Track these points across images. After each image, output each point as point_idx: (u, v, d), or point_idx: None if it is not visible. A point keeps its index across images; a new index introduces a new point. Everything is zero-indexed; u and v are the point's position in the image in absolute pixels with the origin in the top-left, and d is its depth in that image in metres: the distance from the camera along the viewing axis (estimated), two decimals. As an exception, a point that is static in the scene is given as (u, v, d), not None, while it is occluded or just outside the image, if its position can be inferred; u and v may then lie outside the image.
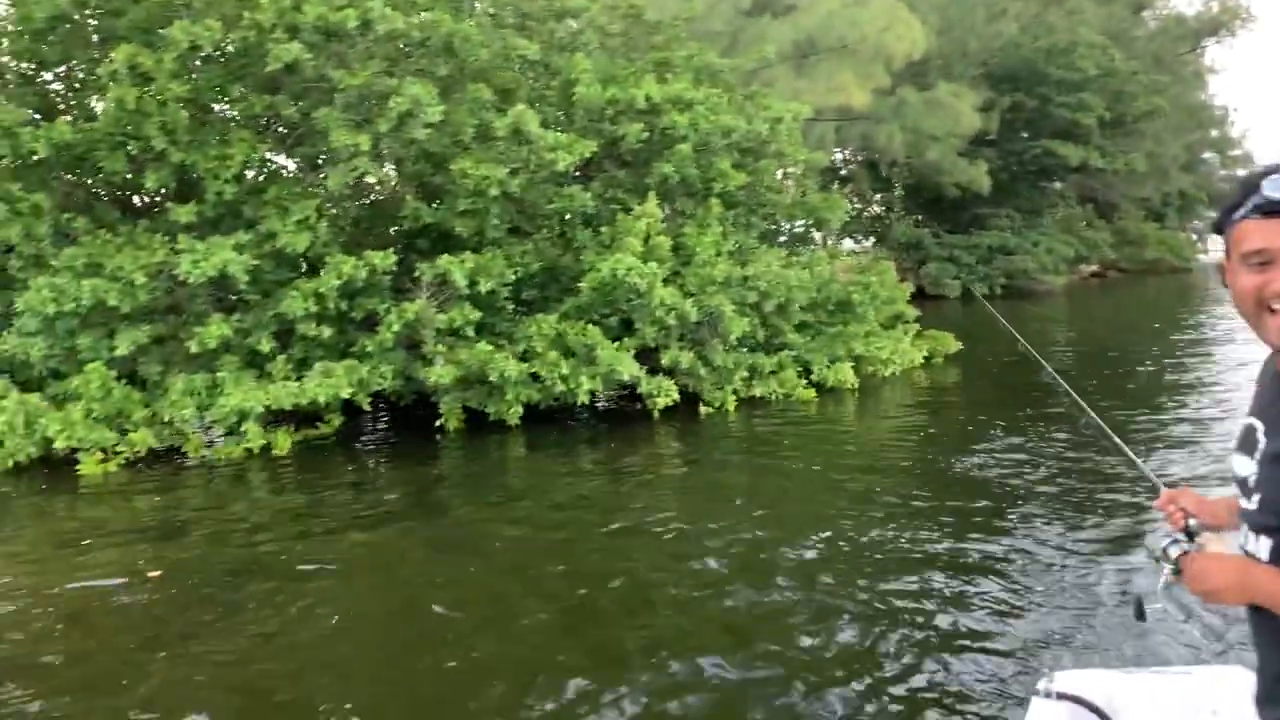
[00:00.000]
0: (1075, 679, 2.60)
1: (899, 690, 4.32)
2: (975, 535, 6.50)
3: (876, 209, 40.12)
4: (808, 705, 4.17)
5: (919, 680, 4.40)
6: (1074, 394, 2.80)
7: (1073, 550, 6.13)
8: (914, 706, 4.16)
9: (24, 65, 10.92)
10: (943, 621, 5.05)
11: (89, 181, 10.68)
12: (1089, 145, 36.36)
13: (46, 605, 5.74)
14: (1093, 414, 2.71)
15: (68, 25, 10.14)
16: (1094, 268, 43.52)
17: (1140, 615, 2.29)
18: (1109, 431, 2.65)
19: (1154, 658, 4.44)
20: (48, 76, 11.28)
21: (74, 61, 10.84)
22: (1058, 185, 41.12)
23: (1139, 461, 2.55)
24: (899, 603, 5.30)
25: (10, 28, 10.26)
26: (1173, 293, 36.00)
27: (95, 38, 10.67)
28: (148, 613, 5.61)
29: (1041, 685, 2.58)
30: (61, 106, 11.13)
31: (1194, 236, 58.60)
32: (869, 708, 4.16)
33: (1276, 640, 1.64)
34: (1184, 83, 52.71)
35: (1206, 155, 62.49)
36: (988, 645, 4.74)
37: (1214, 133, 61.58)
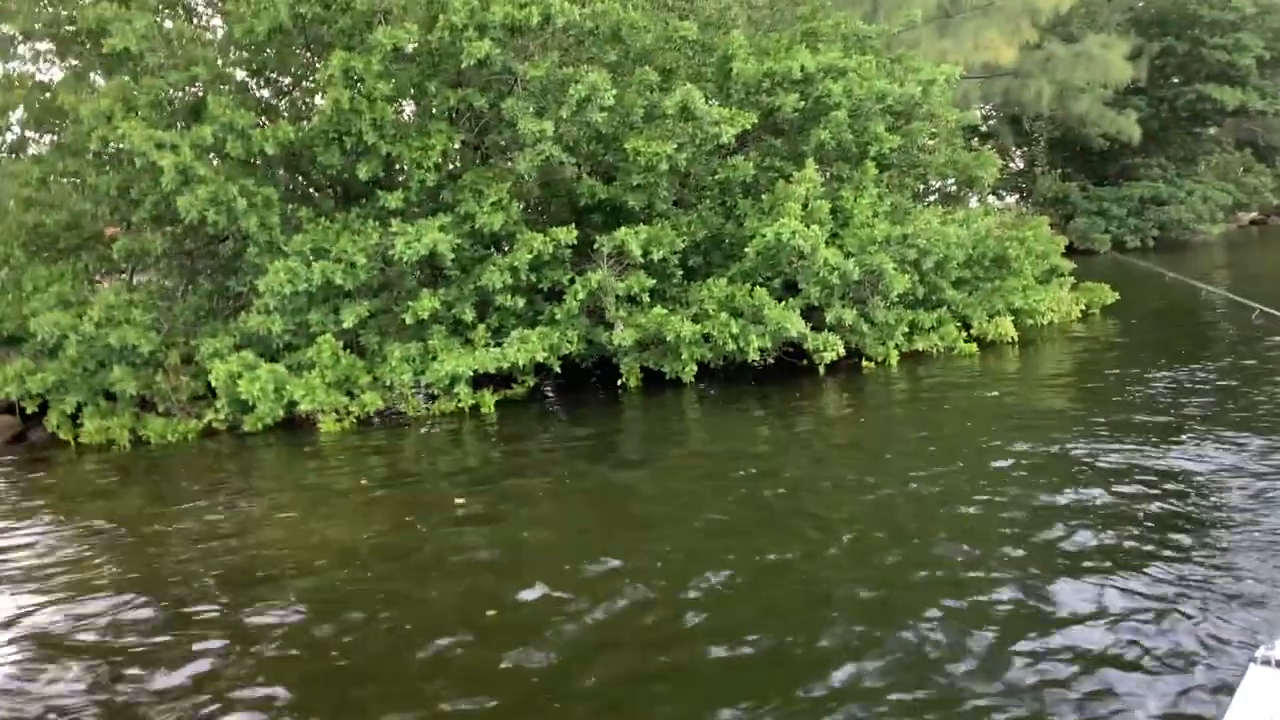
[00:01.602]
0: None
1: (1104, 648, 4.33)
2: (1168, 485, 6.81)
3: (1019, 164, 39.39)
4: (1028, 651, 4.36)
5: (1126, 636, 4.42)
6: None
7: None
8: (1124, 667, 4.17)
9: (245, 73, 12.28)
10: (1144, 580, 4.98)
11: (309, 173, 11.94)
12: (1246, 86, 34.81)
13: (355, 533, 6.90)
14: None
15: (282, 35, 11.33)
16: (1254, 215, 41.70)
17: None
18: None
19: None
20: (261, 81, 12.64)
21: (291, 66, 12.10)
22: (1213, 130, 39.44)
23: None
24: (1091, 561, 5.31)
25: (236, 38, 11.52)
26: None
27: (304, 45, 11.90)
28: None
29: (1260, 652, 2.57)
30: (277, 107, 12.46)
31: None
32: (1073, 665, 4.21)
33: None
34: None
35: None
36: (1202, 605, 4.67)
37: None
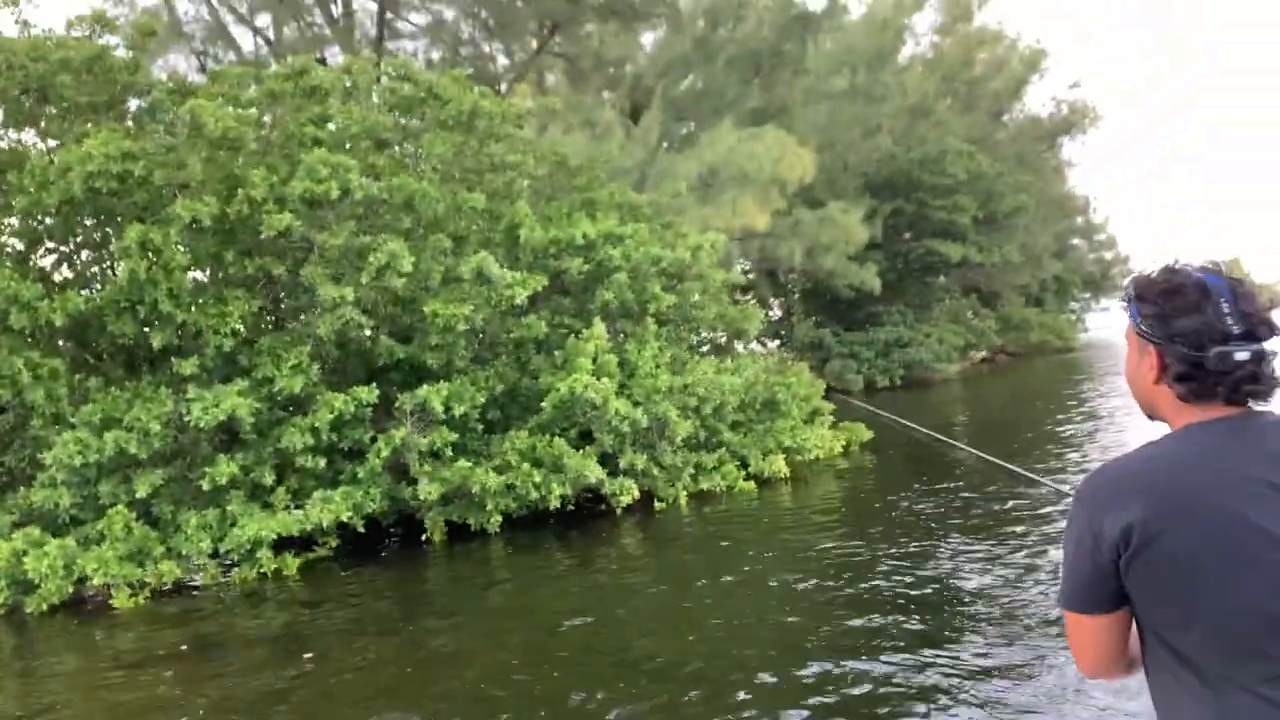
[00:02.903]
0: None
1: None
2: (926, 588, 7.98)
3: (777, 312, 42.60)
4: None
5: None
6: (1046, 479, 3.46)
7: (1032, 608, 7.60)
8: None
9: (22, 243, 12.10)
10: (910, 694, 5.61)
11: (96, 342, 11.78)
12: (966, 242, 39.62)
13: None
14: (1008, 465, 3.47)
15: (70, 206, 11.33)
16: (984, 354, 46.51)
17: None
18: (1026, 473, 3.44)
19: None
20: (41, 251, 12.47)
21: (76, 235, 12.05)
22: (942, 280, 44.28)
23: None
24: (854, 684, 6.39)
25: (19, 208, 11.41)
26: (1058, 370, 38.90)
27: (91, 215, 11.92)
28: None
29: None
30: (59, 276, 12.29)
31: (1074, 318, 62.53)
32: None
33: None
34: (1046, 178, 57.42)
35: (1075, 241, 67.54)
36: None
37: (1079, 220, 66.75)
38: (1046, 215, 52.07)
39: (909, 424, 3.99)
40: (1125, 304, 1.79)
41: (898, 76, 40.32)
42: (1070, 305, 62.10)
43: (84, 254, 12.55)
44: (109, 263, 12.26)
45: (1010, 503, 11.01)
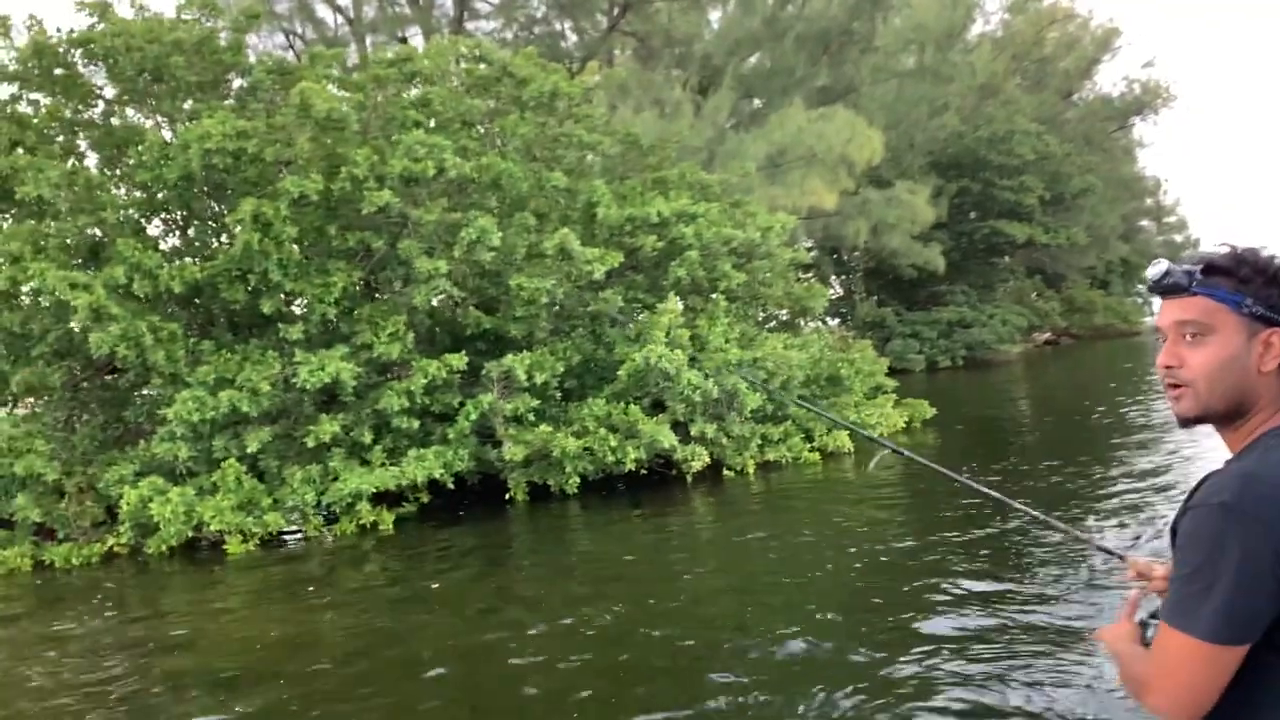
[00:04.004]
0: None
1: None
2: (981, 551, 8.51)
3: (839, 291, 42.87)
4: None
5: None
6: (1020, 505, 2.89)
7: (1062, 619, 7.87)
8: None
9: (139, 214, 13.03)
10: (931, 689, 5.39)
11: (209, 308, 12.69)
12: (1032, 222, 39.53)
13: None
14: (1036, 512, 2.75)
15: (186, 181, 12.20)
16: (1047, 335, 46.37)
17: None
18: (1057, 523, 2.78)
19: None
20: (158, 223, 13.41)
21: (190, 210, 12.96)
22: (1007, 260, 44.20)
23: (1091, 538, 2.64)
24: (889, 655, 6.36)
25: (139, 182, 12.32)
26: (1122, 354, 38.73)
27: (205, 189, 12.80)
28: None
29: None
30: (165, 246, 13.23)
31: (1139, 300, 61.86)
32: None
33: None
34: (1115, 159, 56.74)
35: (1143, 223, 66.59)
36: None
37: (1148, 202, 65.75)
38: (1115, 196, 51.46)
39: (944, 470, 3.98)
40: (1210, 287, 1.59)
41: (966, 55, 40.10)
42: (1136, 288, 61.34)
43: (194, 226, 13.43)
44: (220, 234, 13.13)
45: (1076, 482, 11.48)
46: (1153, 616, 1.75)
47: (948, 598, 7.07)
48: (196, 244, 13.33)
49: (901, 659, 5.88)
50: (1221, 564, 1.47)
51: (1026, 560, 7.94)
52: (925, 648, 6.04)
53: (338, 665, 6.83)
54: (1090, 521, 9.15)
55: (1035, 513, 2.70)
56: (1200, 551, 1.50)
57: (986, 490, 2.90)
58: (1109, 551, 2.32)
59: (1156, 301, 1.69)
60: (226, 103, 13.57)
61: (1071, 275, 50.16)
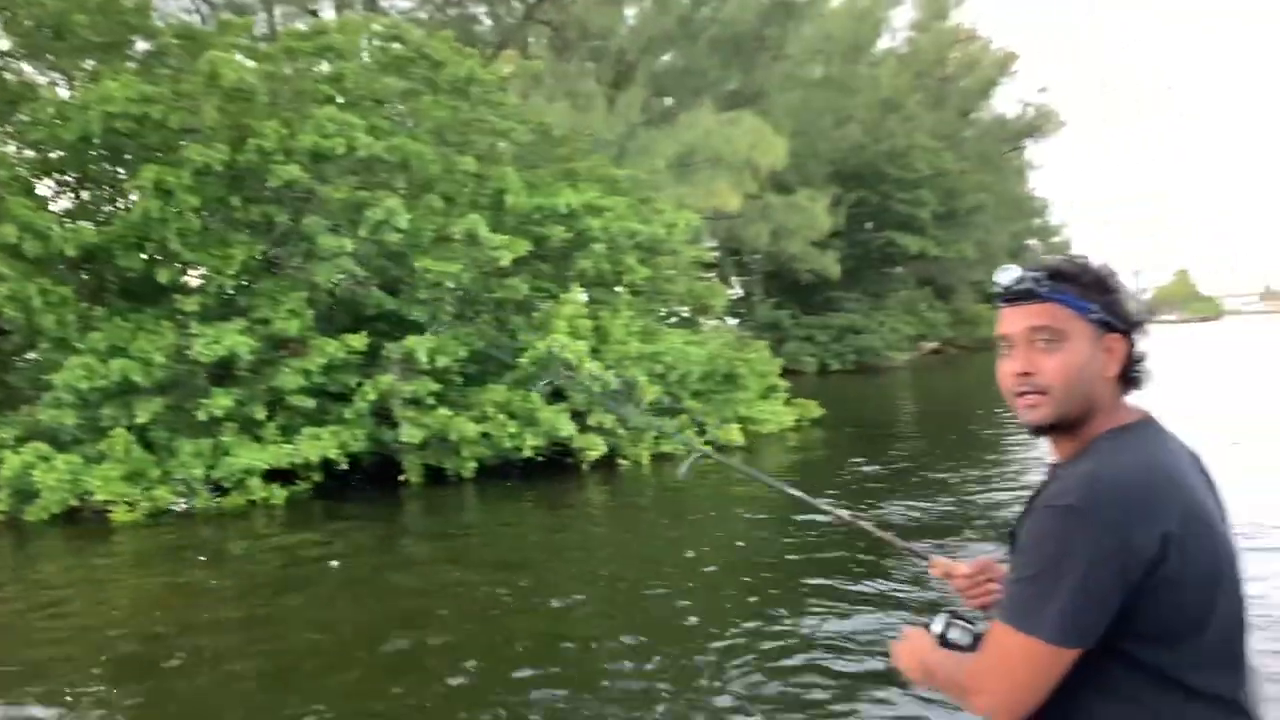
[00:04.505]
0: None
1: None
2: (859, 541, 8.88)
3: (738, 291, 43.62)
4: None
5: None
6: (829, 508, 2.75)
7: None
8: None
9: (30, 173, 12.62)
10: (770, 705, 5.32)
11: (101, 274, 12.38)
12: (925, 235, 40.88)
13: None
14: (847, 515, 2.67)
15: (84, 143, 11.87)
16: (934, 345, 47.92)
17: None
18: (871, 528, 2.61)
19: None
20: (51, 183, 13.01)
21: (86, 173, 12.61)
22: (899, 270, 45.57)
23: (895, 541, 2.49)
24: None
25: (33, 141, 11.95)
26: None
27: (102, 153, 12.47)
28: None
29: None
30: (56, 208, 12.84)
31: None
32: None
33: None
34: (1007, 178, 58.88)
35: (1030, 242, 69.28)
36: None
37: (1036, 221, 68.37)
38: (1005, 214, 53.45)
39: (755, 473, 4.10)
40: (1061, 293, 1.59)
41: (872, 69, 41.26)
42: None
43: (88, 189, 13.07)
44: (116, 199, 12.82)
45: (945, 475, 12.07)
46: (956, 619, 1.75)
47: (797, 594, 7.46)
48: (91, 207, 12.97)
49: (737, 636, 6.22)
50: (1066, 566, 1.46)
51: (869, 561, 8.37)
52: (749, 636, 6.39)
53: (220, 630, 6.85)
54: (937, 523, 9.68)
55: (841, 513, 2.64)
56: (1045, 553, 1.49)
57: (795, 493, 2.85)
58: (913, 552, 2.31)
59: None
60: (130, 65, 13.25)
61: (960, 288, 51.87)
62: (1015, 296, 1.62)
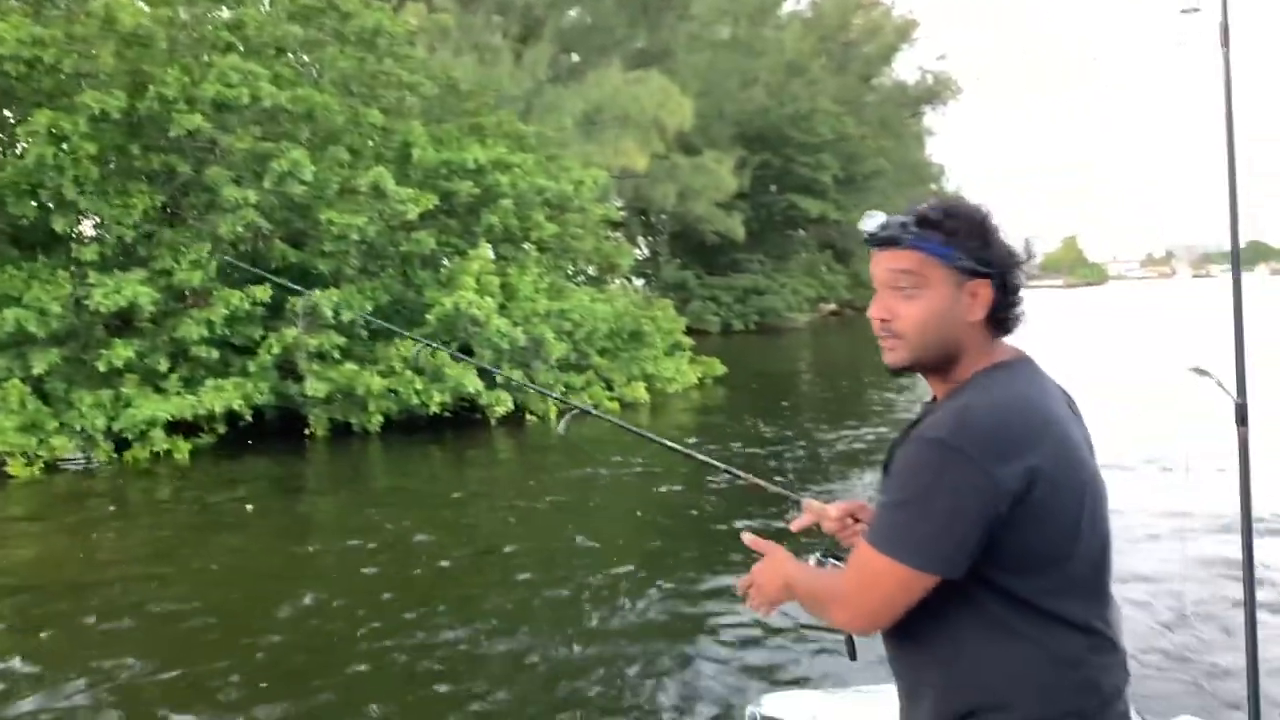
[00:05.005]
0: (782, 701, 2.79)
1: (616, 714, 4.69)
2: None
3: (645, 252, 43.95)
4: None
5: (643, 699, 4.84)
6: (712, 460, 2.73)
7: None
8: None
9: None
10: (669, 639, 5.54)
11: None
12: (826, 199, 41.76)
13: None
14: (719, 464, 2.67)
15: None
16: (833, 307, 49.09)
17: (852, 654, 2.04)
18: (749, 477, 2.52)
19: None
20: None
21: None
22: (801, 234, 46.48)
23: (768, 486, 2.49)
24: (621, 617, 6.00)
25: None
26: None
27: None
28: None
29: (750, 710, 2.74)
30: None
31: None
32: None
33: (897, 655, 1.70)
34: (906, 144, 60.18)
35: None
36: (707, 667, 5.17)
37: (932, 186, 70.06)
38: (903, 180, 54.66)
39: (634, 429, 4.07)
40: (923, 240, 1.60)
41: (777, 32, 41.72)
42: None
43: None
44: (6, 146, 12.40)
45: (836, 426, 12.64)
46: (828, 556, 1.83)
47: (688, 537, 7.85)
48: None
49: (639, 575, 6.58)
50: (933, 496, 1.50)
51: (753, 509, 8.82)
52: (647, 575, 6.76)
53: (122, 582, 6.90)
54: (828, 469, 10.21)
55: (720, 464, 2.65)
56: (913, 482, 1.54)
57: (671, 444, 2.85)
58: (787, 495, 2.34)
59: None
60: (17, 4, 12.75)
61: (859, 251, 53.06)
62: (880, 243, 1.65)
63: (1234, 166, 2.61)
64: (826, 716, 2.70)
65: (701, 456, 2.75)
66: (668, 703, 4.75)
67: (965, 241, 1.59)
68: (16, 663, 5.37)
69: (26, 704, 4.83)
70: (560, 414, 14.16)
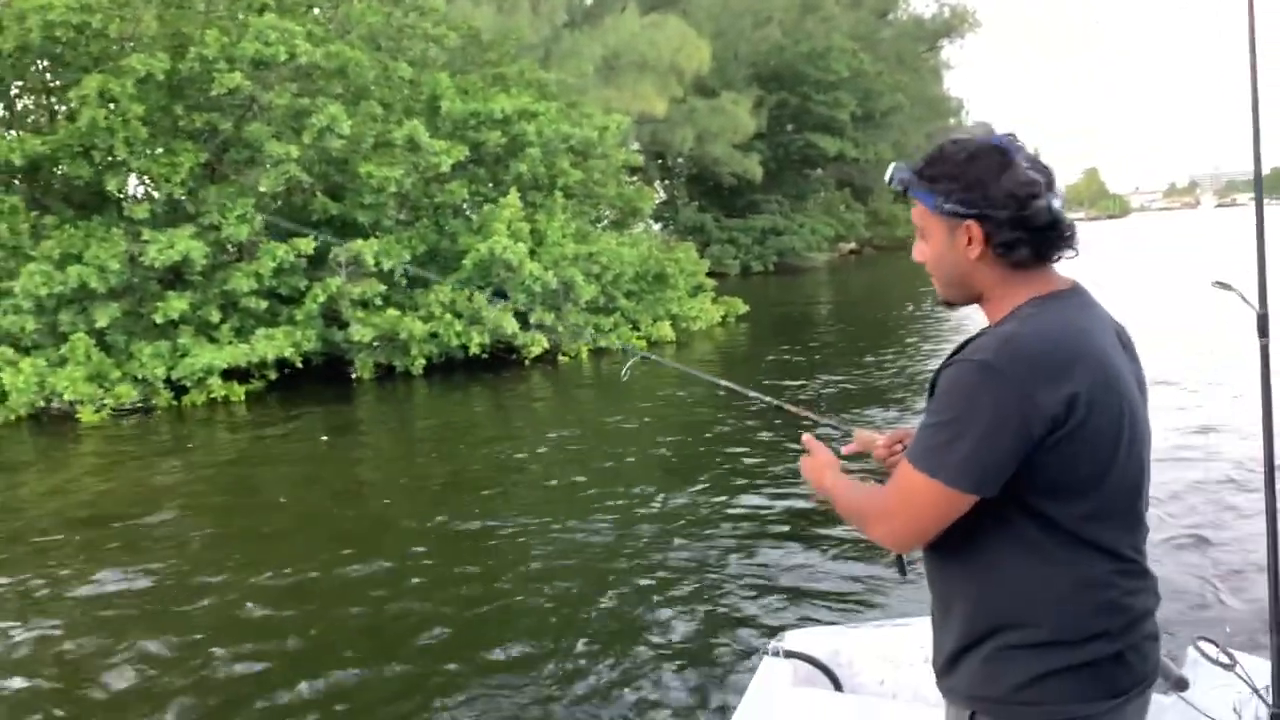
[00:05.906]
0: (804, 637, 2.81)
1: (639, 645, 4.71)
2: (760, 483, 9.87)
3: (663, 196, 44.20)
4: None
5: (657, 637, 4.81)
6: (757, 394, 2.78)
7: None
8: (653, 663, 4.51)
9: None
10: (697, 574, 5.61)
11: (48, 183, 12.58)
12: (844, 137, 41.76)
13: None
14: (768, 398, 2.72)
15: (23, 52, 11.97)
16: (852, 245, 49.25)
17: (902, 570, 2.11)
18: (787, 406, 2.60)
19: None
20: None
21: (24, 82, 12.68)
22: (819, 173, 46.49)
23: (817, 418, 2.52)
24: (650, 552, 6.09)
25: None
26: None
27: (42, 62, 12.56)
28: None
29: (772, 645, 2.76)
30: (4, 117, 12.93)
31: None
32: (607, 662, 4.55)
33: (935, 571, 1.73)
34: (923, 79, 59.71)
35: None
36: (733, 602, 5.20)
37: (951, 121, 69.47)
38: (920, 115, 54.38)
39: (690, 369, 4.18)
40: (915, 190, 1.66)
41: (791, -32, 41.45)
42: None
43: (26, 99, 13.15)
44: (58, 108, 12.94)
45: (861, 359, 13.17)
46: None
47: (725, 471, 8.43)
48: (29, 118, 13.07)
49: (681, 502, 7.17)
50: (973, 417, 1.52)
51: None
52: (702, 500, 7.35)
53: (192, 511, 7.54)
54: (857, 399, 10.74)
55: (769, 399, 2.72)
56: (955, 403, 1.56)
57: (724, 383, 2.95)
58: (834, 427, 2.37)
59: None
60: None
61: (877, 189, 53.07)
62: (897, 194, 1.74)
63: (1256, 87, 2.45)
64: (848, 651, 2.78)
65: (755, 394, 2.81)
66: (692, 631, 4.82)
67: (947, 185, 1.62)
68: (105, 573, 6.05)
69: (120, 597, 5.50)
70: (593, 354, 14.77)
